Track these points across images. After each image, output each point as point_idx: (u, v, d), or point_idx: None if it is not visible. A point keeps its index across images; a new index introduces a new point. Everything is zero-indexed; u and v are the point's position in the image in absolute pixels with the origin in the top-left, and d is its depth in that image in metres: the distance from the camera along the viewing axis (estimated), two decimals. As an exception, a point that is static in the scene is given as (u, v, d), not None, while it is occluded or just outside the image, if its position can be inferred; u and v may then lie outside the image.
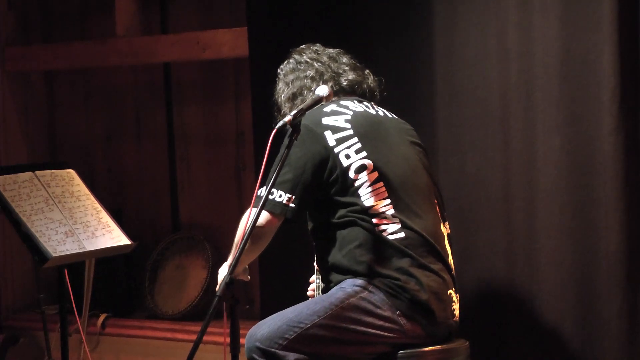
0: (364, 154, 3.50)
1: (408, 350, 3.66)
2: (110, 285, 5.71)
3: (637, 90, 4.07)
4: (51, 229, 3.46)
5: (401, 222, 3.48)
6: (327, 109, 3.60)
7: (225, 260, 3.62)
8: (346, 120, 3.56)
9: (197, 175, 5.89)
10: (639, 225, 4.09)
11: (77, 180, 3.67)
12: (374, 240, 3.45)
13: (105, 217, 3.62)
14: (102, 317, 5.63)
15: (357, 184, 3.48)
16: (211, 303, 3.03)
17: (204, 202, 5.86)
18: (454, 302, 3.58)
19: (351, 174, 3.48)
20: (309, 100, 3.41)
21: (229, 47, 5.32)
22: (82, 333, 4.43)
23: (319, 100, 3.42)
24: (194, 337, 3.08)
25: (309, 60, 3.78)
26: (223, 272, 3.62)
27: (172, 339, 5.45)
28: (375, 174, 3.47)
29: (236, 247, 3.44)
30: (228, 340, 3.11)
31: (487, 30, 4.34)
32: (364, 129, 3.55)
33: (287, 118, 3.25)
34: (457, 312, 3.62)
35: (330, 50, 3.86)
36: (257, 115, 4.90)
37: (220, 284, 3.07)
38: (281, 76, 3.85)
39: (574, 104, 4.16)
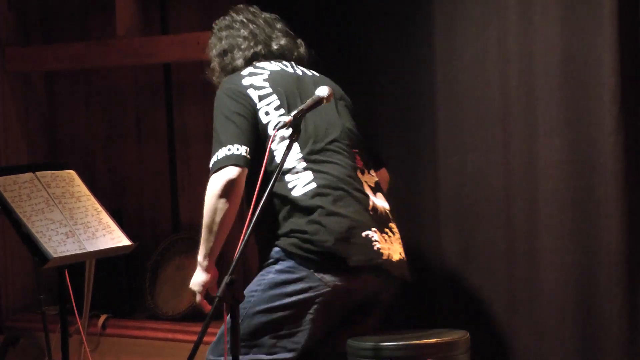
0: (281, 111, 3.57)
1: (405, 343, 3.70)
2: (111, 286, 5.70)
3: (637, 90, 4.07)
4: (52, 229, 3.46)
5: (313, 173, 3.52)
6: (244, 72, 3.66)
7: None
8: (264, 80, 3.62)
9: (198, 176, 5.89)
10: (639, 225, 4.09)
11: (78, 180, 3.67)
12: (286, 202, 3.48)
13: (106, 218, 3.62)
14: (103, 317, 5.62)
15: (274, 139, 3.50)
16: (211, 303, 3.02)
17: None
18: (379, 240, 3.54)
19: (270, 131, 3.53)
20: (309, 100, 3.41)
21: (229, 47, 5.31)
22: (82, 334, 4.43)
23: (320, 101, 3.43)
24: (194, 337, 3.08)
25: (245, 20, 3.83)
26: (199, 277, 3.62)
27: (172, 339, 5.45)
28: (291, 130, 3.42)
29: (210, 231, 3.46)
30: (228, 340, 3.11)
31: (487, 30, 4.34)
32: (281, 86, 3.62)
33: (287, 118, 3.26)
34: (389, 251, 3.58)
35: (267, 14, 3.90)
36: (258, 116, 4.89)
37: (221, 285, 3.07)
38: (215, 30, 3.89)
39: (574, 104, 4.16)
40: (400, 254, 3.67)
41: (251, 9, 3.91)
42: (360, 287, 3.56)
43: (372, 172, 3.70)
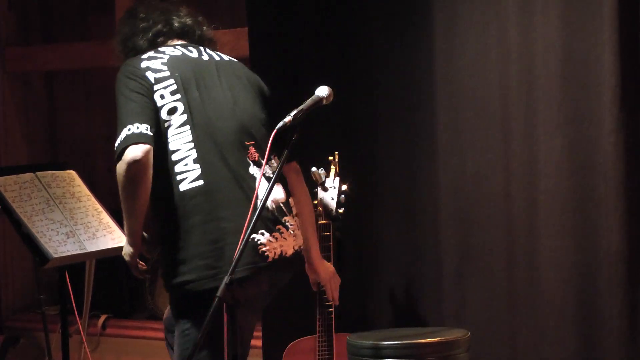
0: (177, 96, 3.46)
1: (405, 342, 3.70)
2: (111, 286, 5.71)
3: (637, 90, 4.07)
4: (52, 229, 3.46)
5: (201, 168, 3.42)
6: (144, 55, 3.57)
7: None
8: (163, 63, 3.52)
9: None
10: (639, 225, 4.09)
11: (78, 181, 3.66)
12: (170, 197, 3.40)
13: (106, 218, 3.61)
14: (103, 317, 5.63)
15: (166, 125, 3.43)
16: (211, 303, 3.02)
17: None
18: (265, 243, 3.44)
19: (163, 115, 3.44)
20: (309, 100, 3.41)
21: (230, 47, 5.30)
22: (82, 334, 4.43)
23: (319, 101, 3.42)
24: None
25: (147, 5, 3.78)
26: (127, 249, 3.51)
27: (172, 339, 5.44)
28: (184, 117, 3.43)
29: (129, 215, 3.37)
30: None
31: (487, 30, 4.34)
32: (181, 71, 3.51)
33: (287, 118, 3.25)
34: (281, 248, 3.49)
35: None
36: (258, 116, 4.89)
37: (221, 285, 3.06)
38: (121, 19, 3.84)
39: (574, 104, 4.16)
40: (294, 248, 3.59)
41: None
42: (251, 291, 3.47)
43: (274, 162, 3.61)
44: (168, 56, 3.56)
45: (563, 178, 4.19)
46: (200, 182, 3.40)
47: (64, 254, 3.42)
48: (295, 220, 3.61)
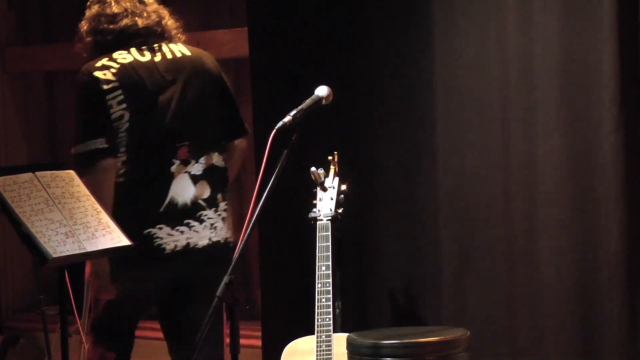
0: (124, 105, 3.74)
1: (405, 341, 3.71)
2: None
3: (637, 90, 4.07)
4: (51, 229, 3.45)
5: (125, 166, 3.76)
6: (98, 63, 3.80)
7: None
8: (113, 74, 3.76)
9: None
10: (639, 225, 4.09)
11: (77, 181, 3.65)
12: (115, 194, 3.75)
13: (105, 218, 3.61)
14: (103, 317, 5.61)
15: (116, 131, 3.74)
16: (211, 303, 3.02)
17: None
18: (163, 237, 3.79)
19: (114, 123, 3.74)
20: (308, 100, 3.41)
21: (229, 47, 5.32)
22: (82, 334, 4.42)
23: (319, 101, 3.43)
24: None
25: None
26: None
27: (172, 339, 5.43)
28: (127, 123, 3.74)
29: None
30: (228, 340, 3.11)
31: (487, 30, 4.33)
32: (129, 80, 3.75)
33: (287, 118, 3.25)
34: (187, 240, 3.82)
35: None
36: (258, 116, 4.89)
37: (220, 285, 3.07)
38: (89, 5, 4.02)
39: (574, 104, 4.16)
40: (210, 239, 3.87)
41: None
42: (145, 275, 3.83)
43: (204, 160, 3.86)
44: (120, 65, 3.79)
45: (563, 178, 4.18)
46: (122, 179, 3.76)
47: (63, 254, 3.41)
48: (218, 214, 3.88)
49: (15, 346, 5.65)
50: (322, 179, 4.11)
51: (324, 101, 3.45)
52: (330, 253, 4.00)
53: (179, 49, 3.90)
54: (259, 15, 4.87)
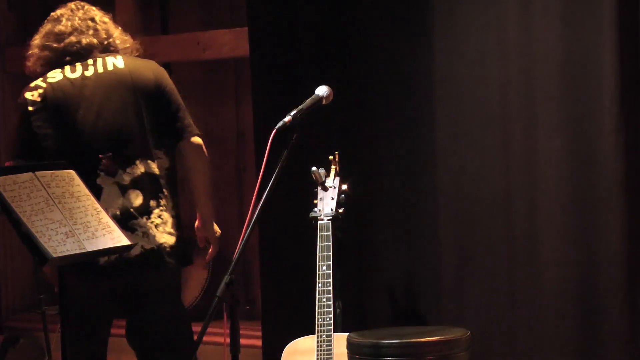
0: (47, 124, 3.89)
1: (405, 340, 3.70)
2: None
3: (637, 90, 4.07)
4: (51, 229, 3.45)
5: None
6: (32, 84, 3.97)
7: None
8: (40, 94, 3.92)
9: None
10: (639, 225, 4.09)
11: (77, 180, 3.66)
12: None
13: (105, 218, 3.61)
14: (103, 317, 5.61)
15: (44, 148, 3.86)
16: (211, 303, 3.02)
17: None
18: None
19: (42, 143, 3.89)
20: (308, 100, 3.42)
21: (230, 47, 5.32)
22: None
23: (319, 101, 3.43)
24: (194, 337, 3.08)
25: (63, 15, 4.12)
26: None
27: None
28: (53, 141, 3.89)
29: None
30: (228, 340, 3.11)
31: (487, 30, 4.33)
32: (52, 99, 3.90)
33: (287, 118, 3.26)
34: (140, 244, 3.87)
35: (90, 11, 4.12)
36: (258, 116, 4.90)
37: (220, 285, 3.07)
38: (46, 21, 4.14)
39: (574, 104, 4.16)
40: (142, 247, 3.91)
41: (77, 5, 4.14)
42: (86, 282, 3.89)
43: (131, 169, 3.92)
44: (47, 85, 3.93)
45: (563, 178, 4.18)
46: None
47: (64, 254, 3.41)
48: (151, 222, 3.91)
49: (15, 346, 5.65)
50: (323, 179, 4.11)
51: (324, 101, 3.46)
52: (330, 253, 4.01)
53: (113, 62, 3.99)
54: (259, 15, 4.87)
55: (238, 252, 3.10)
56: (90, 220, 3.60)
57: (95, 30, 4.04)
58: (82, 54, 3.99)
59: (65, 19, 4.06)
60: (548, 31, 4.18)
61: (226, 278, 3.02)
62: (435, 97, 4.45)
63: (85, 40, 3.99)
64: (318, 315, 3.96)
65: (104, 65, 3.97)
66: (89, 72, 3.95)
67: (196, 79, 5.86)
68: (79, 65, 3.97)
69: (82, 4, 4.13)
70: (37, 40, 4.08)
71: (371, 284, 4.64)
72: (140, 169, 3.92)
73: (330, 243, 4.03)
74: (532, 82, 4.23)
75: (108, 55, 4.00)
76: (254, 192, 3.34)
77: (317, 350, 3.92)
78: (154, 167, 3.96)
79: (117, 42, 4.08)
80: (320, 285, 3.96)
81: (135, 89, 3.94)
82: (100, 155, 3.89)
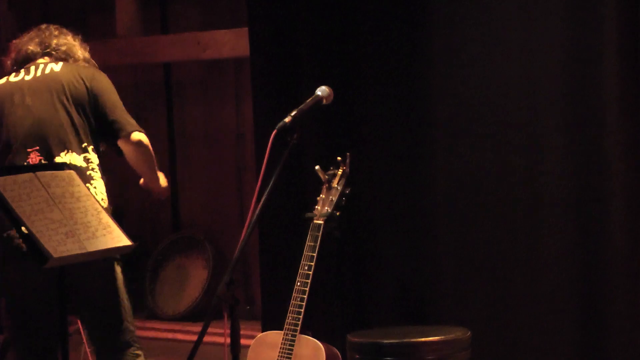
0: None
1: (406, 340, 3.70)
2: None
3: (637, 90, 4.07)
4: (51, 229, 3.45)
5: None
6: None
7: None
8: None
9: (198, 176, 5.89)
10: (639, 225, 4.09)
11: (78, 180, 3.66)
12: None
13: (106, 218, 3.60)
14: (103, 317, 5.62)
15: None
16: (211, 303, 3.02)
17: (205, 202, 5.86)
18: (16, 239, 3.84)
19: None
20: (309, 100, 3.43)
21: (230, 47, 5.32)
22: (82, 333, 4.43)
23: (319, 101, 3.45)
24: (194, 337, 3.08)
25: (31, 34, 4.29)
26: None
27: (172, 339, 5.45)
28: (23, 130, 4.02)
29: None
30: (229, 340, 3.11)
31: (487, 29, 4.33)
32: (1, 99, 4.13)
33: (287, 118, 3.26)
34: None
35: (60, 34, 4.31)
36: (258, 116, 4.89)
37: (220, 284, 3.07)
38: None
39: (574, 104, 4.16)
40: None
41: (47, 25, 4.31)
42: (16, 277, 3.96)
43: (56, 161, 4.01)
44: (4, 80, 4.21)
45: (563, 177, 4.18)
46: None
47: (64, 254, 3.41)
48: None
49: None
50: (328, 178, 4.08)
51: (324, 101, 3.46)
52: (315, 254, 3.96)
53: (51, 67, 4.17)
54: (260, 16, 4.87)
55: (238, 252, 3.11)
56: (91, 220, 3.60)
57: (47, 39, 4.26)
58: (31, 59, 4.21)
59: (28, 34, 4.29)
60: (548, 31, 4.18)
61: (226, 278, 3.02)
62: (436, 97, 4.45)
63: (32, 48, 4.22)
64: (289, 313, 3.93)
65: (43, 69, 4.17)
66: (29, 76, 4.16)
67: (196, 79, 5.86)
68: (22, 71, 4.18)
69: (55, 26, 4.33)
70: (10, 50, 4.31)
71: (371, 284, 4.63)
72: (67, 161, 4.02)
73: (317, 244, 3.99)
74: (532, 82, 4.23)
75: (51, 62, 4.20)
76: (255, 193, 3.34)
77: (280, 348, 3.89)
78: (79, 161, 4.05)
79: (66, 50, 4.27)
80: (298, 284, 3.94)
81: (66, 90, 4.11)
82: (29, 149, 4.00)
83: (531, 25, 4.22)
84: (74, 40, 4.33)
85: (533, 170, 4.25)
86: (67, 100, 4.10)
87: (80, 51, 4.34)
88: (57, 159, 4.00)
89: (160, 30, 5.84)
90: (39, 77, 4.17)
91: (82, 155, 4.06)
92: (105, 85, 4.20)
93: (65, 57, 4.27)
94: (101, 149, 4.19)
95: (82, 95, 4.12)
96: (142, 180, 4.28)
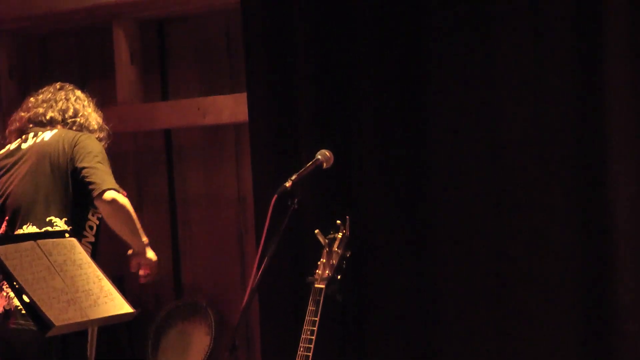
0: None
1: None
2: (113, 352, 5.68)
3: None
4: (53, 297, 3.46)
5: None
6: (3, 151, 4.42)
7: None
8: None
9: (199, 240, 5.89)
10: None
11: (79, 248, 3.67)
12: None
13: (107, 285, 3.61)
14: (105, 384, 5.60)
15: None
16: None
17: (207, 267, 5.85)
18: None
19: None
20: (309, 165, 3.45)
21: (230, 112, 5.35)
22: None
23: (320, 165, 3.47)
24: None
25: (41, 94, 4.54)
26: None
27: (175, 405, 5.41)
28: (2, 200, 4.21)
29: None
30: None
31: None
32: (4, 163, 4.30)
33: (287, 183, 3.28)
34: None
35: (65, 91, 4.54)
36: (258, 180, 4.91)
37: (222, 350, 3.06)
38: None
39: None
40: (3, 307, 4.08)
41: (61, 87, 4.56)
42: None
43: (27, 227, 4.11)
44: (6, 150, 4.36)
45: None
46: None
47: (66, 322, 3.41)
48: (7, 287, 4.06)
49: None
50: (328, 242, 4.08)
51: (324, 165, 3.49)
52: (317, 318, 3.95)
53: (44, 136, 4.26)
54: (259, 81, 4.90)
55: (240, 317, 3.10)
56: (92, 287, 3.61)
57: (64, 104, 4.43)
58: (42, 124, 4.35)
59: (43, 94, 4.48)
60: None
61: (229, 343, 3.02)
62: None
63: (51, 114, 4.37)
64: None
65: (39, 138, 4.27)
66: (29, 144, 4.27)
67: (196, 144, 5.88)
68: (31, 134, 4.31)
69: (69, 86, 4.55)
70: (18, 112, 4.45)
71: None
72: (41, 226, 4.09)
73: (319, 309, 3.98)
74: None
75: (47, 130, 4.30)
76: (256, 257, 3.35)
77: None
78: (62, 224, 4.10)
79: (85, 122, 4.41)
80: (301, 349, 3.92)
81: (48, 159, 4.18)
82: (7, 217, 4.18)
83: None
84: (89, 106, 4.47)
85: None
86: (50, 169, 4.16)
87: (95, 121, 4.44)
88: (19, 231, 4.10)
89: (160, 97, 5.87)
90: (32, 145, 4.26)
91: (44, 228, 4.09)
92: (86, 148, 4.20)
93: (80, 129, 4.35)
94: (95, 216, 4.23)
95: (63, 164, 4.17)
96: (130, 251, 4.27)
